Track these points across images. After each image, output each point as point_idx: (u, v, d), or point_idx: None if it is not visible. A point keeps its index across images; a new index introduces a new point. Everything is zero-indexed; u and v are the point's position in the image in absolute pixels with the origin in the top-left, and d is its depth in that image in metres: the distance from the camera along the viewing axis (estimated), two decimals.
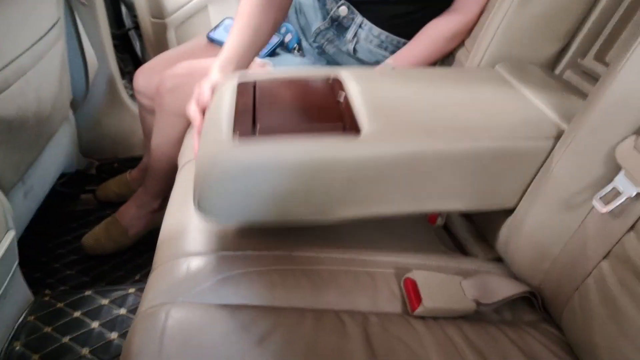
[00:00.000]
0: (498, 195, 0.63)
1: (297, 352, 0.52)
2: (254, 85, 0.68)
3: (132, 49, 1.58)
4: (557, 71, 0.79)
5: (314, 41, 1.02)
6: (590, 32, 0.75)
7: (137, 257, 1.24)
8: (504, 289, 0.60)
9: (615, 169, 0.51)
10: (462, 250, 0.75)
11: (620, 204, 0.49)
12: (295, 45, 1.03)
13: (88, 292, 0.94)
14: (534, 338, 0.58)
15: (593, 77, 0.73)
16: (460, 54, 0.90)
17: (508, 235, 0.65)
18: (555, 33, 0.76)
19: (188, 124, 1.00)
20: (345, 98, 0.64)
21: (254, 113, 0.61)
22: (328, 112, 0.62)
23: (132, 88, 1.59)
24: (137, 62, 1.55)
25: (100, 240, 1.19)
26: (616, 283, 0.49)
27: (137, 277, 1.18)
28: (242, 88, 0.68)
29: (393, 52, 0.95)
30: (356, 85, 0.67)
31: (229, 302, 0.56)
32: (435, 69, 0.77)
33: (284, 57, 1.01)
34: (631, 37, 0.50)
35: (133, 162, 1.49)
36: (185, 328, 0.53)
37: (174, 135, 1.02)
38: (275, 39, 1.03)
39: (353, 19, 0.94)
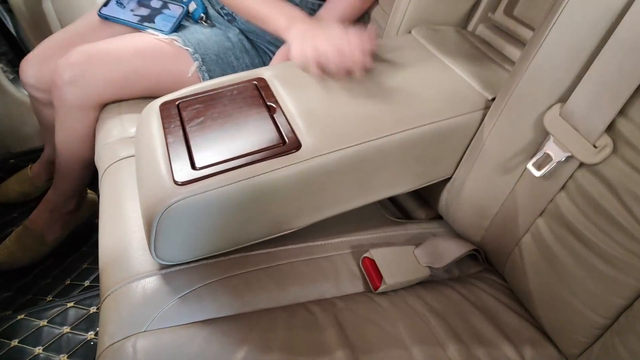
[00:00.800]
0: (438, 169, 0.66)
1: (276, 353, 0.53)
2: (178, 107, 0.64)
3: (2, 25, 1.36)
4: (470, 27, 0.81)
5: (222, 8, 0.95)
6: None
7: (60, 261, 1.15)
8: (451, 250, 0.65)
9: (543, 134, 0.55)
10: (406, 215, 0.78)
11: (552, 167, 0.53)
12: (202, 14, 0.95)
13: (21, 316, 0.86)
14: (482, 290, 0.63)
15: (504, 32, 0.77)
16: (376, 14, 0.89)
17: (448, 198, 0.69)
18: None
19: (96, 117, 0.91)
20: (278, 107, 0.62)
21: (187, 143, 0.59)
22: (264, 129, 0.60)
23: (11, 72, 1.39)
24: (13, 41, 1.34)
25: (14, 253, 1.08)
26: (551, 237, 0.55)
27: (67, 282, 1.10)
28: (165, 113, 0.64)
29: (309, 14, 0.92)
30: (284, 90, 0.66)
31: (196, 319, 0.55)
32: None
33: (192, 29, 0.93)
34: (553, 5, 0.52)
35: (32, 155, 1.34)
36: (158, 358, 0.51)
37: (82, 131, 0.92)
38: (178, 11, 0.94)
39: None
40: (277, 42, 0.95)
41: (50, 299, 1.03)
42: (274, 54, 0.96)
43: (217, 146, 0.58)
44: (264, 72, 0.70)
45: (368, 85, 0.65)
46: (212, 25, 0.96)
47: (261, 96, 0.65)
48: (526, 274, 0.59)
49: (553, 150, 0.53)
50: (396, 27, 0.79)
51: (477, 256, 0.68)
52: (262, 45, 0.96)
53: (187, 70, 0.88)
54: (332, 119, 0.60)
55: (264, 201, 0.57)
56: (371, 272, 0.61)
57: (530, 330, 0.59)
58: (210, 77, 0.90)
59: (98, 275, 0.74)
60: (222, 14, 0.96)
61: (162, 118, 0.63)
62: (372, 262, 0.62)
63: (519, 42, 0.74)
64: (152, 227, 0.53)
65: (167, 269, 0.59)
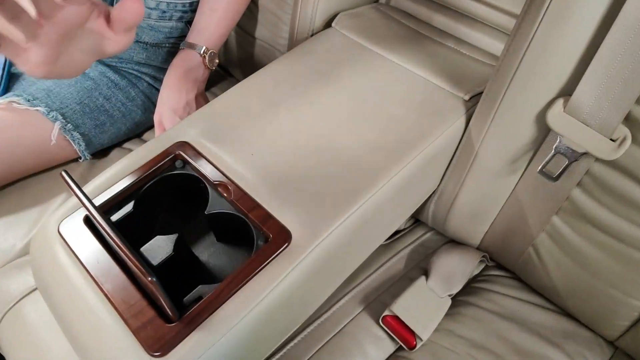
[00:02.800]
0: (425, 189, 0.58)
1: None
2: (89, 225, 0.45)
3: None
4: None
5: None
6: None
7: None
8: (461, 267, 0.59)
9: (544, 131, 0.49)
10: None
11: (565, 168, 0.48)
12: None
13: None
14: (500, 294, 0.60)
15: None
16: (267, 3, 0.72)
17: (435, 210, 0.62)
18: None
19: None
20: (230, 184, 0.47)
21: (140, 287, 0.41)
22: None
23: None
24: None
25: None
26: (572, 233, 0.52)
27: None
28: (73, 241, 0.45)
29: (182, 18, 0.72)
30: (226, 154, 0.50)
31: None
32: (280, 64, 0.61)
33: (29, 78, 0.68)
34: None
35: None
36: None
37: None
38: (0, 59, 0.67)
39: None
40: (149, 61, 0.74)
41: None
42: (150, 77, 0.75)
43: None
44: (184, 132, 0.53)
45: (334, 123, 0.52)
46: None
47: (199, 173, 0.49)
48: (548, 271, 0.56)
49: (564, 150, 0.48)
50: (309, 21, 0.65)
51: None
52: (132, 71, 0.74)
53: (48, 137, 0.65)
54: (310, 183, 0.47)
55: (273, 321, 0.44)
56: (399, 331, 0.54)
57: (561, 322, 0.58)
58: (83, 135, 0.67)
59: None
60: None
61: (75, 250, 0.44)
62: (395, 318, 0.54)
63: (442, 7, 0.66)
64: None
65: None
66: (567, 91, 0.46)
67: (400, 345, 0.55)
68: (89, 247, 0.44)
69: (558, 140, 0.48)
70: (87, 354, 0.41)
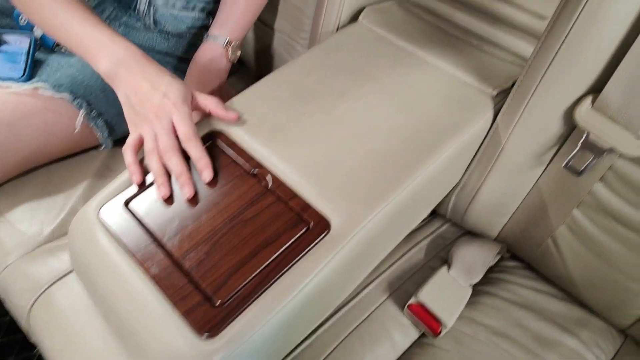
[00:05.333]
0: (450, 181, 0.60)
1: None
2: (129, 210, 0.47)
3: None
4: None
5: None
6: None
7: None
8: (482, 258, 0.61)
9: (570, 127, 0.51)
10: None
11: (590, 164, 0.50)
12: None
13: None
14: (517, 285, 0.62)
15: None
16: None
17: (457, 202, 0.63)
18: None
19: None
20: (268, 174, 0.48)
21: (179, 268, 0.42)
22: (271, 214, 0.46)
23: None
24: None
25: None
26: (593, 227, 0.54)
27: None
28: (115, 225, 0.46)
29: (204, 9, 0.73)
30: (262, 144, 0.51)
31: None
32: (311, 57, 0.61)
33: (53, 63, 0.67)
34: None
35: None
36: None
37: None
38: (24, 43, 0.66)
39: None
40: (171, 51, 0.74)
41: None
42: (172, 67, 0.75)
43: (225, 261, 0.43)
44: (219, 122, 0.53)
45: (367, 114, 0.54)
46: None
47: (236, 163, 0.50)
48: (565, 262, 0.58)
49: (589, 146, 0.50)
50: (336, 16, 0.66)
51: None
52: (155, 57, 0.74)
53: (72, 123, 0.65)
54: (346, 173, 0.49)
55: (312, 306, 0.45)
56: (426, 318, 0.55)
57: (574, 311, 0.60)
58: (106, 123, 0.68)
59: None
60: None
61: (118, 235, 0.45)
62: (420, 307, 0.56)
63: (464, 5, 0.67)
64: None
65: None
66: (596, 88, 0.48)
67: (424, 333, 0.57)
68: (132, 232, 0.45)
69: (584, 136, 0.50)
70: (136, 337, 0.42)
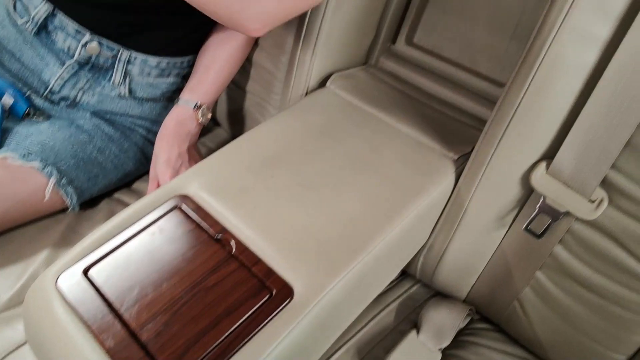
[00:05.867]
0: (416, 243, 0.60)
1: None
2: (87, 278, 0.45)
3: None
4: (373, 60, 0.75)
5: (52, 91, 0.70)
6: (394, 18, 0.72)
7: None
8: (450, 320, 0.61)
9: (529, 191, 0.53)
10: None
11: (548, 227, 0.52)
12: (28, 108, 0.69)
13: None
14: (488, 348, 0.62)
15: (409, 62, 0.73)
16: (260, 59, 0.76)
17: (424, 262, 0.64)
18: (368, 27, 0.70)
19: None
20: (238, 246, 0.48)
21: (142, 345, 0.41)
22: (233, 280, 0.46)
23: None
24: None
25: None
26: (556, 289, 0.55)
27: None
28: (71, 293, 0.44)
29: (179, 74, 0.75)
30: (227, 208, 0.51)
31: None
32: (279, 120, 0.63)
33: (22, 131, 0.66)
34: (528, 55, 0.48)
35: None
36: None
37: None
38: None
39: (116, 56, 0.67)
40: (144, 115, 0.75)
41: None
42: (144, 129, 0.76)
43: (184, 332, 0.42)
44: (185, 186, 0.54)
45: (332, 178, 0.55)
46: (47, 118, 0.71)
47: (200, 228, 0.50)
48: (532, 325, 0.58)
49: (547, 209, 0.51)
50: (304, 81, 0.68)
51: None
52: (126, 123, 0.75)
53: (41, 191, 0.64)
54: (311, 237, 0.49)
55: None
56: None
57: None
58: (76, 189, 0.67)
59: None
60: (55, 99, 0.71)
61: (74, 305, 0.44)
62: None
63: (427, 71, 0.71)
64: None
65: None
66: (549, 154, 0.50)
67: None
68: (89, 302, 0.44)
69: (541, 200, 0.51)
70: None
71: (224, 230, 0.49)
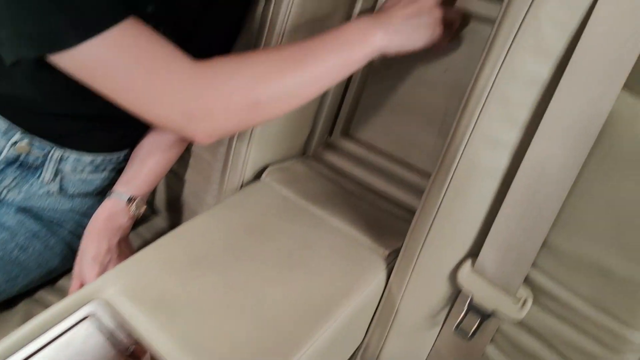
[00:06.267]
0: (350, 345, 0.58)
1: None
2: None
3: None
4: (310, 151, 0.76)
5: None
6: (331, 110, 0.74)
7: None
8: None
9: (455, 289, 0.52)
10: None
11: (478, 326, 0.51)
12: None
13: None
14: None
15: (342, 153, 0.74)
16: (199, 149, 0.76)
17: None
18: (304, 119, 0.72)
19: None
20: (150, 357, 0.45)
21: None
22: None
23: None
24: None
25: None
26: None
27: None
28: None
29: (114, 169, 0.73)
30: (146, 316, 0.48)
31: None
32: (209, 217, 0.61)
33: None
34: (445, 159, 0.49)
35: None
36: None
37: None
38: None
39: (47, 155, 0.65)
40: (74, 209, 0.72)
41: None
42: (74, 223, 0.73)
43: None
44: (104, 289, 0.50)
45: (260, 278, 0.53)
46: None
47: (114, 338, 0.46)
48: None
49: (475, 308, 0.51)
50: (239, 173, 0.68)
51: None
52: (54, 219, 0.71)
53: None
54: (232, 345, 0.46)
55: None
56: None
57: None
58: None
59: None
60: None
61: None
62: None
63: (362, 162, 0.72)
64: None
65: None
66: (474, 252, 0.50)
67: None
68: None
69: (469, 299, 0.51)
70: None
71: (137, 342, 0.46)
